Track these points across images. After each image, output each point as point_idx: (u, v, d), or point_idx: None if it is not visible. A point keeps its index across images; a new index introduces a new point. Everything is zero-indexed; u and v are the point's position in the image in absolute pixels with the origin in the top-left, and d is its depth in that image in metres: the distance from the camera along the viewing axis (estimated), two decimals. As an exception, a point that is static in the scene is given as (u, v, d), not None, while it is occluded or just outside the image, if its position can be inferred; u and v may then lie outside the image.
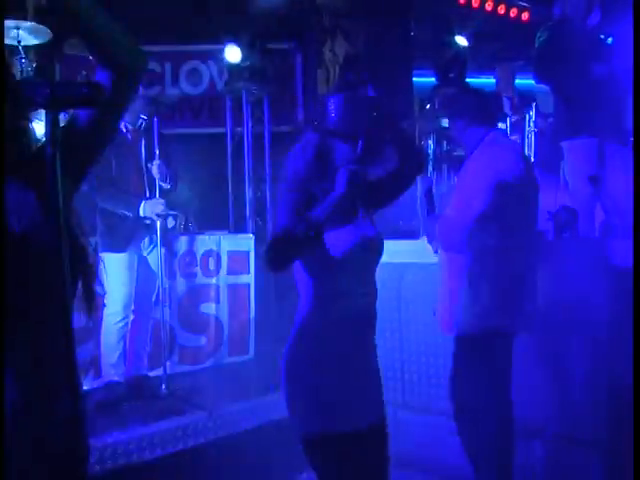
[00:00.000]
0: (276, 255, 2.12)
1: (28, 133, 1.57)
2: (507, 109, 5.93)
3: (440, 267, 3.29)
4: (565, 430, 3.72)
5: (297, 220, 2.09)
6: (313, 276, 2.22)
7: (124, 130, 4.23)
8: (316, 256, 2.19)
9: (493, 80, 6.69)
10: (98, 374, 4.26)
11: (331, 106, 2.32)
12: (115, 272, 4.17)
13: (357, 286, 2.26)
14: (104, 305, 4.21)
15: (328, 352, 2.21)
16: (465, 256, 3.10)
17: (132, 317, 4.36)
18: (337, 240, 2.17)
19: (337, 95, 2.38)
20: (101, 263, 4.15)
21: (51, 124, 1.27)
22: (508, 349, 3.18)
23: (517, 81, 6.53)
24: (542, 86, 4.74)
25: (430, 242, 3.36)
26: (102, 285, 4.18)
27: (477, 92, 3.61)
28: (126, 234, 4.24)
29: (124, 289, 4.23)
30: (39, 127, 4.21)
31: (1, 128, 1.50)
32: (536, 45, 4.52)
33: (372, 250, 2.32)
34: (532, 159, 5.45)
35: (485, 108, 3.29)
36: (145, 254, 4.38)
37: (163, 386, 4.26)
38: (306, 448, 2.23)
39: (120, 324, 4.22)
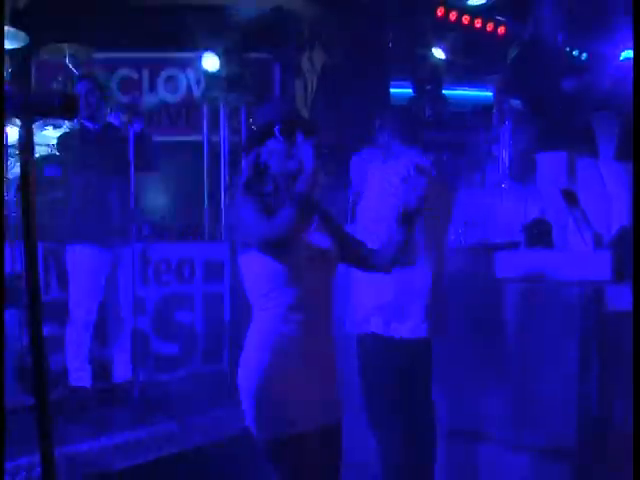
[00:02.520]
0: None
1: None
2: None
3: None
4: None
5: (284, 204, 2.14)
6: (266, 287, 2.25)
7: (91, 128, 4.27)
8: (269, 267, 2.22)
9: (469, 92, 6.77)
10: (67, 382, 4.23)
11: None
12: (81, 270, 4.17)
13: (311, 297, 2.29)
14: (70, 310, 4.19)
15: (283, 360, 2.24)
16: None
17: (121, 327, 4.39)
18: (290, 251, 2.20)
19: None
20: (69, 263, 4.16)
21: (25, 131, 1.27)
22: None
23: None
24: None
25: None
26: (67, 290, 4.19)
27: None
28: (104, 226, 4.23)
29: (88, 293, 4.22)
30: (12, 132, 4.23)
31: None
32: (508, 61, 4.63)
33: (325, 261, 2.36)
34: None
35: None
36: (117, 261, 4.36)
37: (135, 393, 4.23)
38: (264, 452, 2.27)
39: (84, 329, 4.20)
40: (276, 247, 2.16)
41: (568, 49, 4.61)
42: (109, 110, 4.42)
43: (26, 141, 1.28)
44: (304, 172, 2.18)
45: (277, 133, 2.29)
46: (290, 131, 2.28)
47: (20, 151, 1.27)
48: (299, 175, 2.22)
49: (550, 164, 4.48)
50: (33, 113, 1.23)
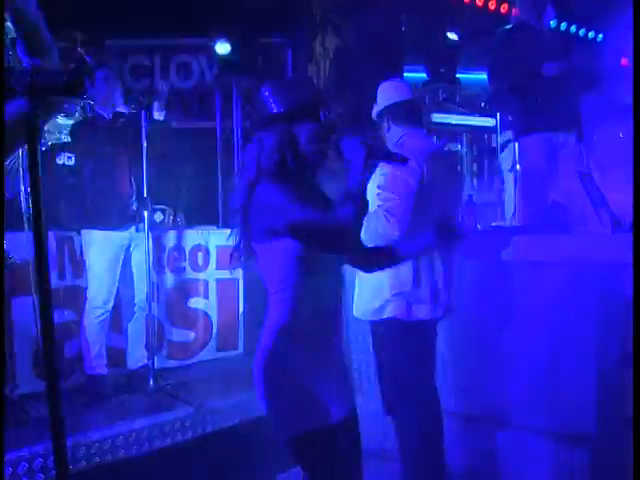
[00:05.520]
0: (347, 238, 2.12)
1: None
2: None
3: None
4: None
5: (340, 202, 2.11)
6: (289, 275, 2.17)
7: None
8: (294, 255, 2.14)
9: (483, 75, 6.70)
10: (83, 369, 4.23)
11: None
12: (97, 257, 4.17)
13: (329, 285, 2.25)
14: (86, 298, 4.19)
15: (305, 350, 2.19)
16: None
17: (136, 313, 4.41)
18: None
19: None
20: (85, 251, 4.17)
21: (32, 111, 1.25)
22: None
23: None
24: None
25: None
26: (84, 277, 4.21)
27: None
28: (118, 212, 4.23)
29: (105, 280, 4.22)
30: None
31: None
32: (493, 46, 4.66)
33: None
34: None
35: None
36: (131, 249, 4.35)
37: (151, 381, 4.23)
38: (289, 447, 2.22)
39: (102, 317, 4.21)
40: (345, 253, 2.15)
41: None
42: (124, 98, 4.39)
43: (33, 121, 1.25)
44: (354, 167, 2.12)
45: (321, 115, 2.21)
46: (330, 116, 2.24)
47: (26, 131, 1.24)
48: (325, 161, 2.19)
49: (533, 147, 4.54)
50: (39, 92, 1.21)
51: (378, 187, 3.11)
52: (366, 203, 2.14)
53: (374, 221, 2.99)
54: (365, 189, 2.14)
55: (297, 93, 2.30)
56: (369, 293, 3.28)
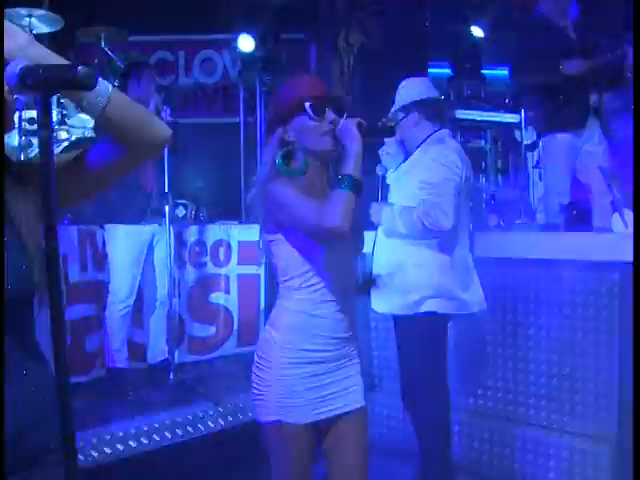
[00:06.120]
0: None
1: None
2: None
3: (391, 252, 3.34)
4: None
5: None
6: (300, 269, 2.20)
7: None
8: (304, 250, 2.18)
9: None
10: (104, 362, 4.27)
11: None
12: (120, 251, 4.20)
13: (342, 279, 2.25)
14: (108, 292, 4.22)
15: (304, 342, 2.20)
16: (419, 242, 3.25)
17: (157, 308, 4.45)
18: None
19: None
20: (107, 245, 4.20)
21: (43, 108, 1.25)
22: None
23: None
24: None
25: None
26: (106, 272, 4.25)
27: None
28: (141, 207, 4.26)
29: (128, 274, 4.25)
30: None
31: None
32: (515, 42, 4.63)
33: (356, 243, 2.34)
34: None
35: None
36: (154, 244, 4.38)
37: (171, 375, 4.25)
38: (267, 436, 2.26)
39: (124, 311, 4.24)
40: (336, 236, 2.11)
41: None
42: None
43: (44, 117, 1.25)
44: (349, 153, 2.13)
45: (308, 108, 2.22)
46: (321, 107, 2.22)
47: (38, 127, 1.25)
48: (332, 154, 2.20)
49: (557, 145, 4.49)
50: (52, 87, 1.21)
51: (424, 182, 3.17)
52: (361, 185, 2.12)
53: (426, 212, 3.09)
54: (361, 170, 2.14)
55: (289, 91, 2.31)
56: (404, 287, 3.27)
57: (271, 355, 2.21)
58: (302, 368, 2.19)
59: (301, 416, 2.19)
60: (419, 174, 3.23)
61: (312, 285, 2.20)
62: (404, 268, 3.26)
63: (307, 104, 2.21)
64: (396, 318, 3.37)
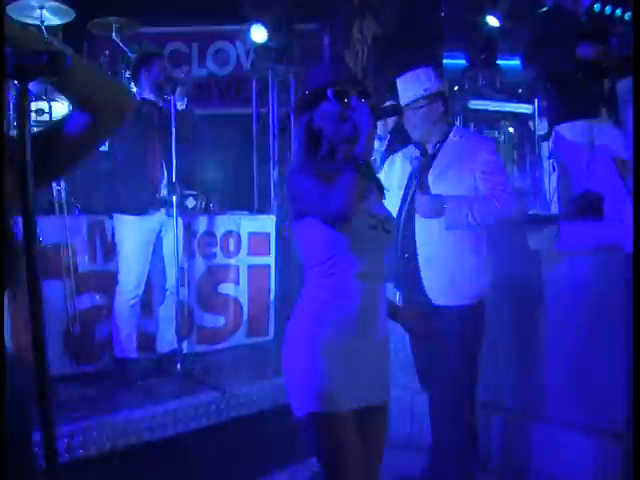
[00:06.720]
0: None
1: None
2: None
3: (435, 243, 3.28)
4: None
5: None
6: (325, 256, 2.19)
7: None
8: (328, 236, 2.15)
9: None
10: (113, 352, 4.29)
11: None
12: (129, 241, 4.21)
13: (370, 267, 2.22)
14: (117, 282, 4.24)
15: (340, 333, 2.18)
16: (462, 233, 3.24)
17: (166, 298, 4.44)
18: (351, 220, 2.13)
19: None
20: (116, 235, 4.22)
21: (20, 94, 1.25)
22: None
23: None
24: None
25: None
26: (115, 262, 4.27)
27: None
28: (149, 197, 4.26)
29: (137, 264, 4.24)
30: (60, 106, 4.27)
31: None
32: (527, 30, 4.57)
33: (385, 230, 2.28)
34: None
35: None
36: (162, 234, 4.38)
37: (179, 365, 4.26)
38: (306, 426, 2.20)
39: (132, 301, 4.24)
40: (340, 220, 2.10)
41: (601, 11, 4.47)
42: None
43: (21, 104, 1.25)
44: (360, 135, 2.14)
45: (331, 95, 2.21)
46: (344, 93, 2.22)
47: (16, 115, 1.25)
48: (355, 139, 2.18)
49: (572, 134, 4.44)
50: (25, 74, 1.21)
51: (486, 173, 3.21)
52: (369, 167, 2.13)
53: (504, 200, 3.16)
54: (370, 153, 2.16)
55: (318, 76, 2.30)
56: (467, 276, 3.25)
57: (297, 344, 2.21)
58: (329, 356, 2.16)
59: (337, 404, 2.15)
60: (469, 165, 3.23)
61: (336, 273, 2.18)
62: (461, 258, 3.24)
63: (329, 91, 2.21)
64: (453, 308, 3.26)
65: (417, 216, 3.26)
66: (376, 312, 2.24)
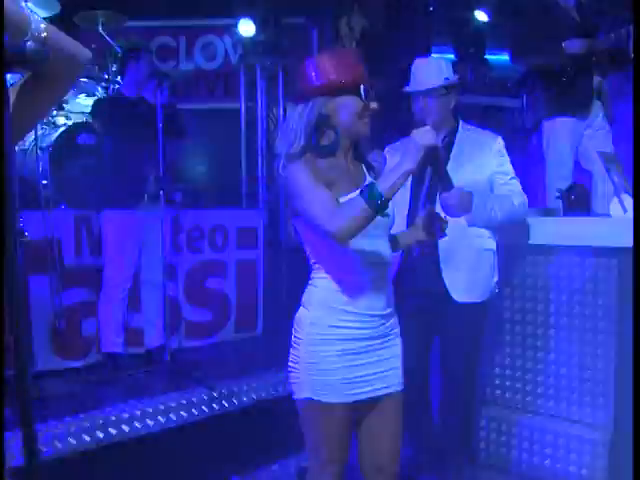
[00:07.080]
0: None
1: None
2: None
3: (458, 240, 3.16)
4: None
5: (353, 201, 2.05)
6: (326, 249, 2.20)
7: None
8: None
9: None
10: (100, 347, 4.27)
11: None
12: (117, 236, 4.20)
13: (371, 254, 2.23)
14: (104, 277, 4.22)
15: (334, 322, 2.20)
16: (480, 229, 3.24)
17: (154, 293, 4.43)
18: None
19: None
20: (103, 230, 4.20)
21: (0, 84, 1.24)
22: None
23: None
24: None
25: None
26: (102, 256, 4.26)
27: None
28: (137, 192, 4.25)
29: (124, 258, 4.24)
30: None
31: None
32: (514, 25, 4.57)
33: (387, 226, 2.30)
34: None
35: None
36: (150, 228, 4.36)
37: (167, 360, 4.25)
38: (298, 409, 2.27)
39: (120, 296, 4.23)
40: (332, 239, 2.08)
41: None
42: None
43: (1, 95, 1.24)
44: (395, 168, 2.03)
45: (363, 92, 2.18)
46: (370, 93, 2.20)
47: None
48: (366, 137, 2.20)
49: (559, 129, 4.44)
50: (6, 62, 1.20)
51: (501, 173, 3.23)
52: (385, 206, 2.03)
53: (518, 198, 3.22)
54: (394, 191, 2.03)
55: (345, 68, 2.23)
56: (486, 272, 3.28)
57: (303, 332, 2.23)
58: (334, 345, 2.18)
59: (335, 395, 2.18)
60: (484, 160, 3.21)
61: (340, 264, 2.20)
62: (480, 254, 3.24)
63: (363, 87, 2.19)
64: (471, 305, 3.22)
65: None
66: (381, 297, 2.26)
